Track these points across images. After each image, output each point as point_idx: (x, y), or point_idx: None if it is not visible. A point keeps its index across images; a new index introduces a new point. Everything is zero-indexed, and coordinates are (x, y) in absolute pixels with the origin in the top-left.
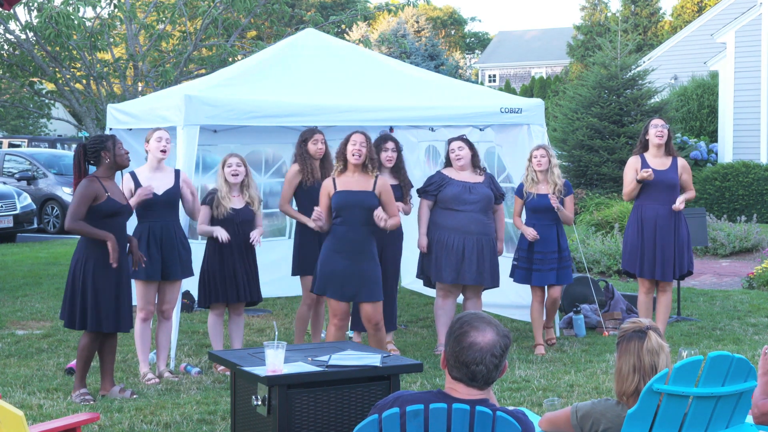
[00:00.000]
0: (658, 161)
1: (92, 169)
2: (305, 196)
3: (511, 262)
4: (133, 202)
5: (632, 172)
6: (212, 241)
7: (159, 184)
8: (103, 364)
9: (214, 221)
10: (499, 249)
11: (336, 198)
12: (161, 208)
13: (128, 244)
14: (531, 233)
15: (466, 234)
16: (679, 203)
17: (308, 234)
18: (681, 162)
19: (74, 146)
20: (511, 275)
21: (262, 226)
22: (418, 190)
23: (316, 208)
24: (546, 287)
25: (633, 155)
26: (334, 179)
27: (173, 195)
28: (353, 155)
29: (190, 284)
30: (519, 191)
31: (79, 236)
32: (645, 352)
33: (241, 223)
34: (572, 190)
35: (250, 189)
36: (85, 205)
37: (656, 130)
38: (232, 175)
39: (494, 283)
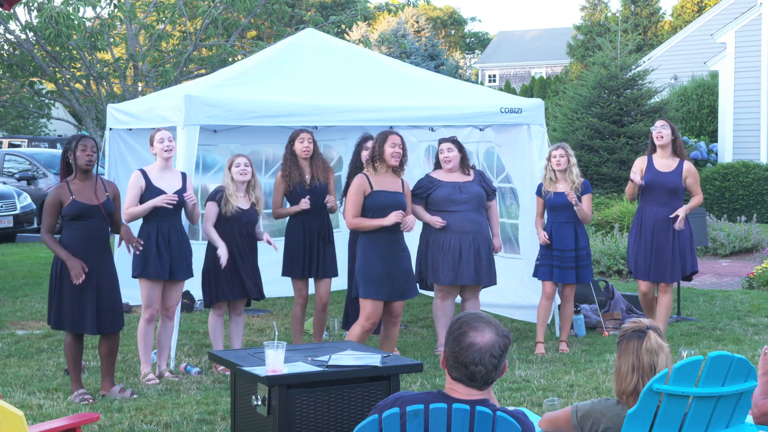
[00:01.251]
0: (663, 162)
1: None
2: (298, 197)
3: (508, 261)
4: (154, 203)
5: (635, 173)
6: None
7: (169, 184)
8: (103, 364)
9: (221, 218)
10: (497, 245)
11: (378, 197)
12: (170, 208)
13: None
14: (541, 237)
15: (462, 234)
16: (680, 221)
17: (297, 235)
18: (686, 165)
19: None
20: (535, 274)
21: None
22: None
23: (398, 212)
24: (560, 286)
25: (642, 155)
26: (368, 177)
27: (181, 196)
28: (393, 157)
29: (190, 284)
30: (539, 191)
31: (59, 236)
32: (644, 351)
33: (247, 223)
34: (590, 189)
35: (255, 190)
36: (52, 215)
37: (655, 132)
38: (240, 174)
39: (491, 281)
